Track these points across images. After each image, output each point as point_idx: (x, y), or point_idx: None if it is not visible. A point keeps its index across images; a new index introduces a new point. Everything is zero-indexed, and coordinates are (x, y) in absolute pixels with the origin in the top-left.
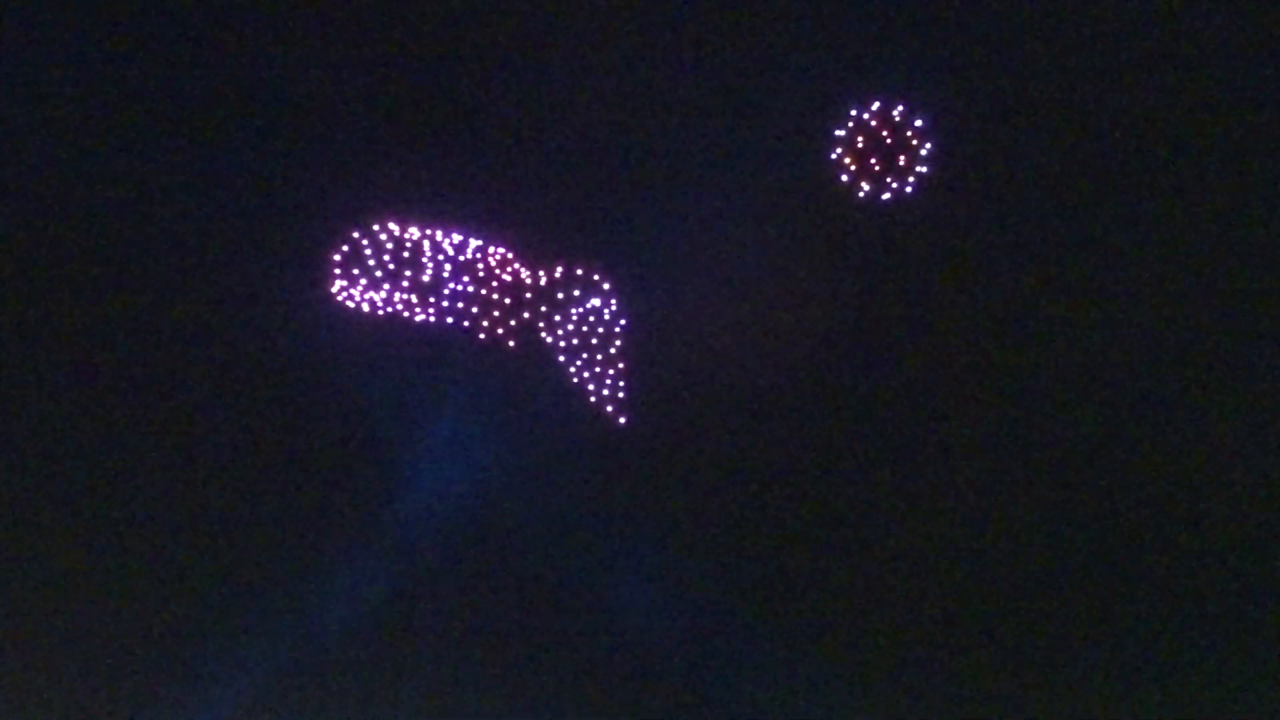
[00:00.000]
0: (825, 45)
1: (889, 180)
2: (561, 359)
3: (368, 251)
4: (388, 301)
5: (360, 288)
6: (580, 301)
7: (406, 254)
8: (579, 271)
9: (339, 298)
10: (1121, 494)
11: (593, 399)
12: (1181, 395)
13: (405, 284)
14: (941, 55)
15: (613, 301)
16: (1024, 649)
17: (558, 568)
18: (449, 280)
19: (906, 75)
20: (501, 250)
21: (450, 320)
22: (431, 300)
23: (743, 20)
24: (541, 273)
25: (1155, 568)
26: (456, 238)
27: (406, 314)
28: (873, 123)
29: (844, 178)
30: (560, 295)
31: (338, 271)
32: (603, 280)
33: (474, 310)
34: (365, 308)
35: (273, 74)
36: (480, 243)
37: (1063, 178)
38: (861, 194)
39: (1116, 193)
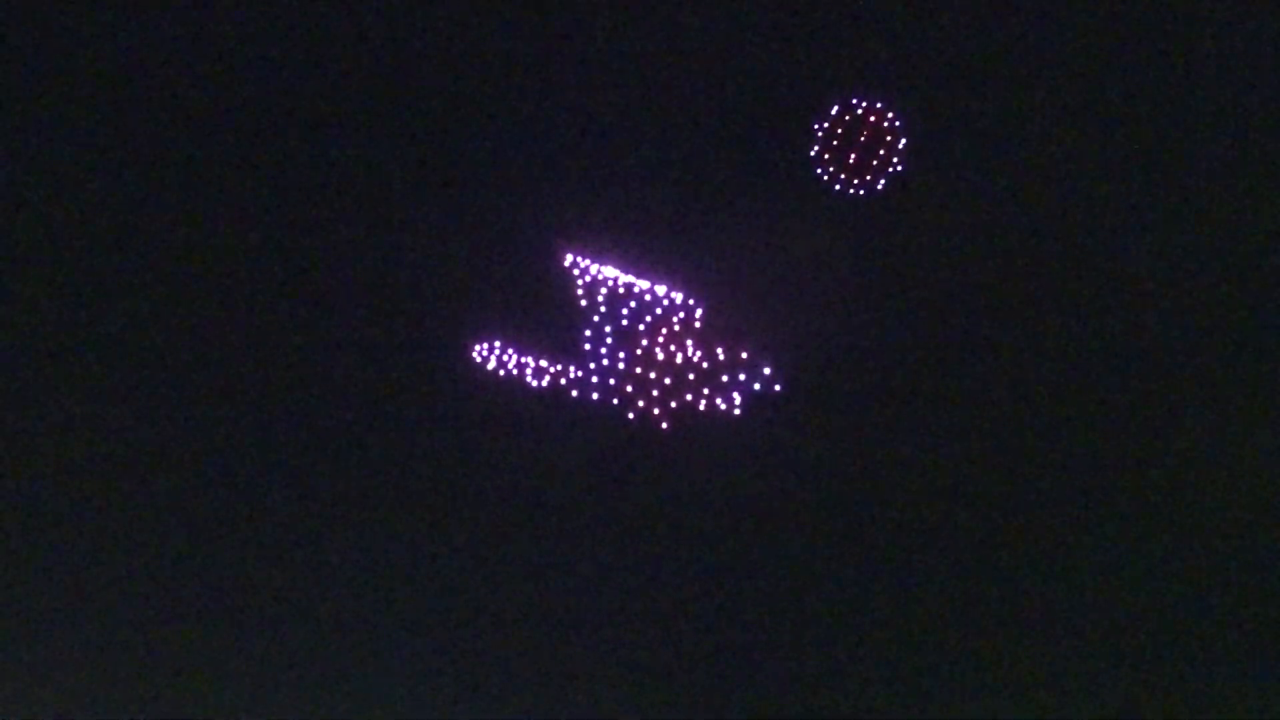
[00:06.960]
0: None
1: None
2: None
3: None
4: (533, 369)
5: (514, 350)
6: (744, 385)
7: (578, 307)
8: (744, 355)
9: (478, 358)
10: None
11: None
12: (1173, 393)
13: (561, 351)
14: (919, 49)
15: (776, 386)
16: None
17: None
18: (606, 354)
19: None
20: (698, 312)
21: (597, 396)
22: (579, 373)
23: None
24: (700, 352)
25: (1146, 565)
26: (660, 289)
27: (548, 383)
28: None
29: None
30: (725, 378)
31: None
32: (764, 364)
33: (629, 389)
34: (502, 369)
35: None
36: (682, 298)
37: (1045, 169)
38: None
39: (1097, 184)
